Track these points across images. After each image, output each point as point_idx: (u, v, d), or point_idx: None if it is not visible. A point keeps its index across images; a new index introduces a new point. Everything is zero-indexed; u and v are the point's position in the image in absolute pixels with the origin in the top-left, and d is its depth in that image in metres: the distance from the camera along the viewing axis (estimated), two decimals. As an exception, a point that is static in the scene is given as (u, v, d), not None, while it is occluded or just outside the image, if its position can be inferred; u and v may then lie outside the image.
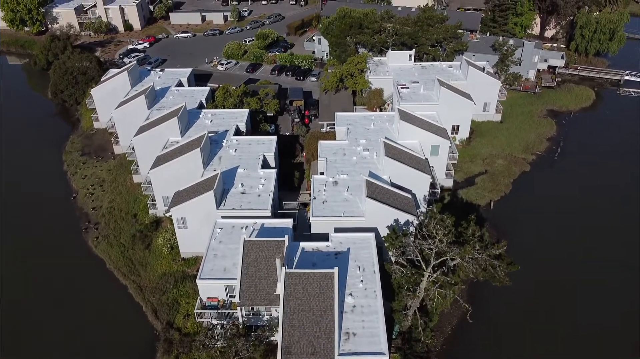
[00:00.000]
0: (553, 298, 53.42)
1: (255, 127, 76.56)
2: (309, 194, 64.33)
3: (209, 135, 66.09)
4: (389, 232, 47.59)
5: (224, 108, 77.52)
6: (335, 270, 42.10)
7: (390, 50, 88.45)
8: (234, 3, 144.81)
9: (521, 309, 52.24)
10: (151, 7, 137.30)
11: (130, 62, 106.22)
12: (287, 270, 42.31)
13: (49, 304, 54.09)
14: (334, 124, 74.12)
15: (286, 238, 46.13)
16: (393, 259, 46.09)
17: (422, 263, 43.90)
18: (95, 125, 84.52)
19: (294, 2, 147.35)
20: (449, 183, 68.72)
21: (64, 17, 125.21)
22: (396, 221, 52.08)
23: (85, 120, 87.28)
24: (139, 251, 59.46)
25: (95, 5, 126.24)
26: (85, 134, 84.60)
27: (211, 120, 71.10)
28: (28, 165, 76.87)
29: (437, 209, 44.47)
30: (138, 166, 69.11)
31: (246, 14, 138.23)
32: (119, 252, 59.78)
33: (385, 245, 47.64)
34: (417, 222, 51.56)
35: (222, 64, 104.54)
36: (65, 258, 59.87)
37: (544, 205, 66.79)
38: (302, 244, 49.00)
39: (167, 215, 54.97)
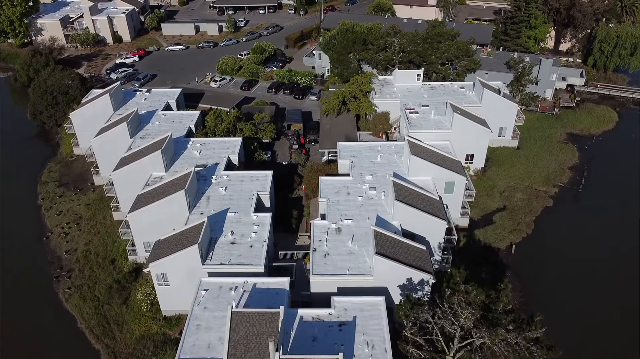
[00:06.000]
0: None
1: (249, 155, 69.49)
2: (308, 236, 57.48)
3: (197, 169, 59.24)
4: (402, 301, 40.50)
5: (215, 134, 70.54)
6: (341, 356, 34.93)
7: (396, 68, 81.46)
8: (230, 12, 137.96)
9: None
10: (142, 18, 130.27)
11: (117, 77, 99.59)
12: (282, 356, 35.19)
13: (9, 374, 47.04)
14: (335, 152, 67.23)
15: (281, 310, 38.98)
16: (407, 333, 38.94)
17: (442, 343, 36.80)
18: (75, 151, 77.52)
19: (293, 12, 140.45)
20: (464, 222, 61.68)
21: (49, 28, 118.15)
22: (409, 280, 45.07)
23: (65, 145, 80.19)
24: (115, 307, 52.24)
25: (82, 16, 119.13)
26: (64, 161, 77.43)
27: (200, 151, 63.94)
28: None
29: (461, 278, 37.36)
30: (118, 202, 62.16)
31: (242, 24, 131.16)
32: (93, 308, 52.50)
33: (399, 313, 40.51)
34: (433, 281, 44.85)
35: (215, 81, 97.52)
36: (31, 315, 52.59)
37: (571, 248, 59.60)
38: (301, 312, 41.83)
39: (146, 270, 47.84)
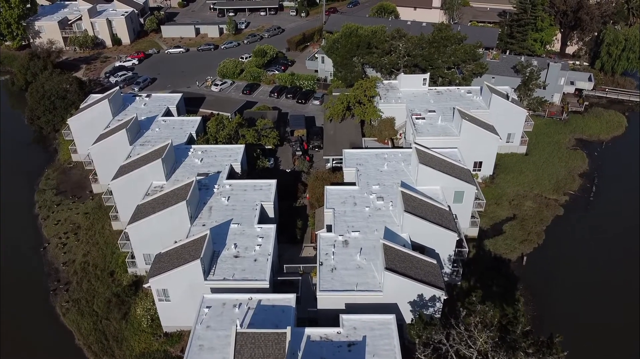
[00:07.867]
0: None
1: (251, 162, 67.70)
2: (314, 247, 55.93)
3: (199, 178, 57.48)
4: (414, 320, 38.73)
5: (216, 141, 68.69)
6: (351, 382, 33.24)
7: (402, 73, 79.66)
8: (230, 14, 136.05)
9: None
10: (141, 20, 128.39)
11: (116, 81, 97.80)
12: (290, 382, 33.48)
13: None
14: (340, 159, 65.50)
15: (288, 330, 37.17)
16: (421, 355, 37.15)
17: (458, 366, 35.08)
18: (73, 157, 75.59)
19: (294, 14, 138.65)
20: (474, 232, 59.95)
21: (47, 30, 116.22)
22: (420, 296, 43.33)
23: (62, 152, 78.39)
24: (115, 322, 50.47)
25: (80, 18, 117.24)
26: (62, 168, 75.67)
27: (201, 159, 62.17)
28: (-5, 206, 68.03)
29: (478, 298, 35.61)
30: (117, 212, 60.38)
31: (243, 26, 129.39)
32: (91, 323, 50.74)
33: (411, 333, 38.77)
34: (445, 297, 43.15)
35: (216, 85, 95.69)
36: (26, 330, 50.87)
37: (584, 258, 58.00)
38: (308, 331, 40.04)
39: (146, 286, 46.06)
